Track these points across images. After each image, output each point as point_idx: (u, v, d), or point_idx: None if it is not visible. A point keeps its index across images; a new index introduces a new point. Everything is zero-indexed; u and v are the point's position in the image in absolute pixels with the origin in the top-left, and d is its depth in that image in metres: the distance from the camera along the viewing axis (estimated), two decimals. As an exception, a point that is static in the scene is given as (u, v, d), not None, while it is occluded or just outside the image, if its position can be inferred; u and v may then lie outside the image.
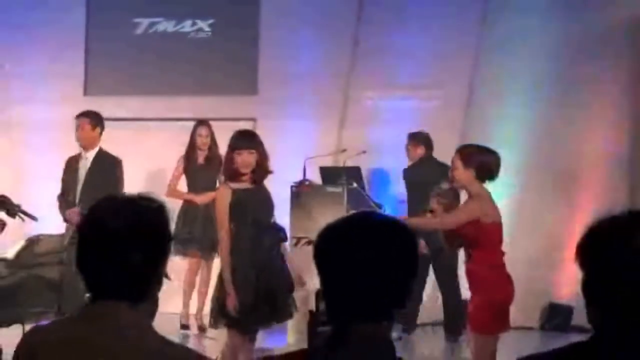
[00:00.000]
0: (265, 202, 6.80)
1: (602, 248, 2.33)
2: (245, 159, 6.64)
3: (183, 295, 9.92)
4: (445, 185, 6.47)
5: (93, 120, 8.73)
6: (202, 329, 9.69)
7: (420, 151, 10.21)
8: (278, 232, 6.81)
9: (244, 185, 6.69)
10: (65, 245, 8.52)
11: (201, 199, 9.68)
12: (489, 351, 6.22)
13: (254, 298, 6.46)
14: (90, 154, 8.71)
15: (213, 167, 9.70)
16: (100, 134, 8.80)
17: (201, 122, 9.98)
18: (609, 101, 10.84)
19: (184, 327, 9.84)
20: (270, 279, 6.56)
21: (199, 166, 9.91)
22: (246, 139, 6.79)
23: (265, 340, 9.87)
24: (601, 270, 2.32)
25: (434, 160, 10.01)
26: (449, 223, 6.30)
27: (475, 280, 6.27)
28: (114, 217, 2.46)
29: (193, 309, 9.94)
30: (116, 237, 2.44)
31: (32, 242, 8.49)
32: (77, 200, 8.55)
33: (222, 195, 6.69)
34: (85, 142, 8.71)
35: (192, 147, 9.95)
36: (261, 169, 6.79)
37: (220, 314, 6.53)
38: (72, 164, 8.78)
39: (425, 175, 9.53)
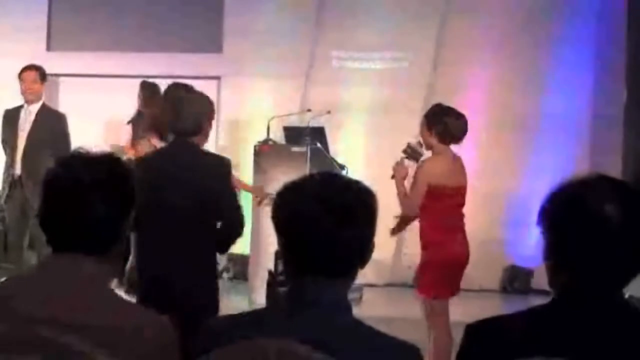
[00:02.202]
0: None
1: (564, 212, 2.33)
2: None
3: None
4: (413, 142, 6.45)
5: (41, 73, 8.62)
6: None
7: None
8: None
9: None
10: (1, 203, 8.51)
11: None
12: (442, 314, 6.23)
13: None
14: (34, 108, 8.58)
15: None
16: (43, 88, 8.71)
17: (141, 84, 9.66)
18: (575, 62, 10.86)
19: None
20: None
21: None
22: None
23: (229, 300, 9.90)
24: (562, 234, 2.33)
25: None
26: (416, 204, 6.20)
27: (422, 239, 6.28)
28: (81, 168, 2.50)
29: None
30: (83, 189, 2.47)
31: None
32: (19, 154, 8.44)
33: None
34: (33, 95, 8.58)
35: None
36: None
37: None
38: (11, 117, 8.63)
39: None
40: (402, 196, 6.23)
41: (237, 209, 5.09)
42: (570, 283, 2.33)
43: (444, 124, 6.24)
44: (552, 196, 2.36)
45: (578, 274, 2.32)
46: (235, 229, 5.09)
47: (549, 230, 2.35)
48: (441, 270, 6.17)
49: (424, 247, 6.27)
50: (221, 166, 5.18)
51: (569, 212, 2.32)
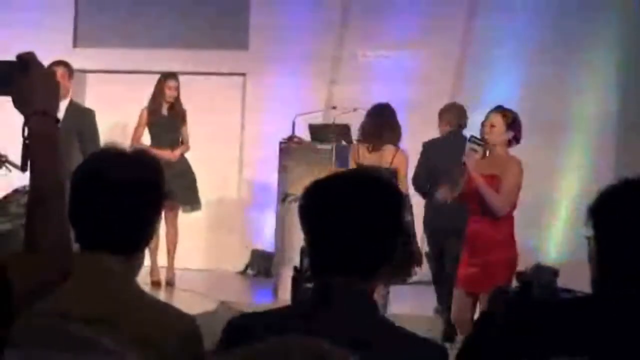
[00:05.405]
0: None
1: (611, 212, 2.33)
2: None
3: (149, 252, 9.16)
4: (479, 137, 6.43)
5: (69, 69, 8.59)
6: (170, 284, 9.47)
7: None
8: None
9: None
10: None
11: (167, 154, 9.15)
12: None
13: None
14: (62, 105, 8.55)
15: (177, 120, 9.54)
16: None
17: (171, 75, 9.64)
18: (600, 59, 10.79)
19: (155, 283, 9.35)
20: None
21: (163, 118, 9.57)
22: None
23: (253, 297, 9.92)
24: (615, 232, 2.32)
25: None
26: (512, 202, 6.35)
27: (493, 239, 6.30)
28: (113, 167, 2.48)
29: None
30: (113, 187, 2.45)
31: (18, 192, 8.47)
32: None
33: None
34: (62, 91, 8.55)
35: (156, 98, 9.58)
36: None
37: None
38: None
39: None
40: (489, 191, 6.22)
41: None
42: (608, 280, 2.33)
43: (520, 129, 6.34)
44: (605, 195, 2.36)
45: (618, 272, 2.31)
46: None
47: (596, 229, 2.35)
48: (511, 270, 6.19)
49: (498, 245, 6.29)
50: None
51: (616, 212, 2.32)
